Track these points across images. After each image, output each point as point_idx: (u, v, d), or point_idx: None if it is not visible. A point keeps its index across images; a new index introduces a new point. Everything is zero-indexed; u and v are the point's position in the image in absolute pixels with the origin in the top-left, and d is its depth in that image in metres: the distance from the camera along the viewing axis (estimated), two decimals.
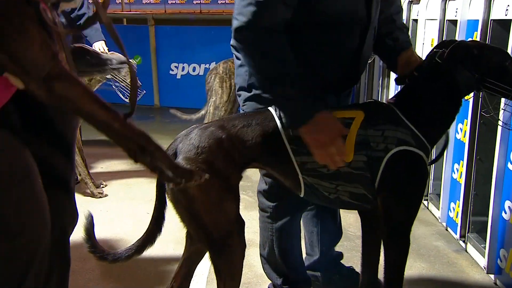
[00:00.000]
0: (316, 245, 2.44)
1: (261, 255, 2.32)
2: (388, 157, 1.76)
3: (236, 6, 1.85)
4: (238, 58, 2.15)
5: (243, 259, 1.89)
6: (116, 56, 4.67)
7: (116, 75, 4.71)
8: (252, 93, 2.09)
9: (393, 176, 1.80)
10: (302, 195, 1.91)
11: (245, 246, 1.88)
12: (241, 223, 1.89)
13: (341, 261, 2.56)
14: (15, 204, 1.48)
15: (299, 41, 1.90)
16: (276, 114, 1.86)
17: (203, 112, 4.86)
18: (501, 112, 2.21)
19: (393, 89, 4.37)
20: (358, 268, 2.53)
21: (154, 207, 1.84)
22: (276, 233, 2.22)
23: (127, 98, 4.94)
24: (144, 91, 4.98)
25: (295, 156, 1.81)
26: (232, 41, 1.94)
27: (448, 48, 1.82)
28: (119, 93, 4.56)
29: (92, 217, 1.80)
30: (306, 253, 2.42)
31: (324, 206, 2.34)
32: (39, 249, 1.54)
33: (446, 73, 1.84)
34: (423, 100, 1.88)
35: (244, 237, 1.87)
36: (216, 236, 1.82)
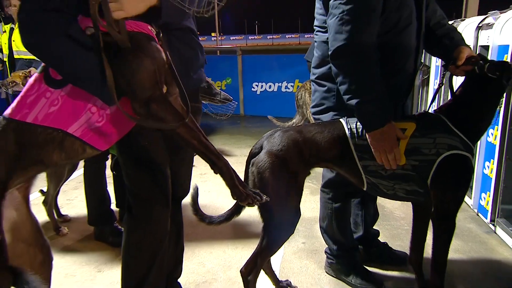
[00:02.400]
0: (360, 224, 2.54)
1: (320, 226, 2.42)
2: (440, 160, 1.80)
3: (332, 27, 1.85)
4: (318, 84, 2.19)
5: (285, 241, 1.98)
6: (223, 93, 5.28)
7: (214, 102, 5.25)
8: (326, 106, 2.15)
9: (446, 174, 1.82)
10: (364, 189, 1.98)
11: (292, 232, 1.95)
12: (298, 213, 1.96)
13: (379, 238, 2.66)
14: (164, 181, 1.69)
15: (382, 54, 1.90)
16: (347, 126, 1.91)
17: (294, 120, 5.10)
18: None
19: (430, 97, 4.07)
20: (397, 245, 2.69)
21: None
22: (334, 211, 2.30)
23: (216, 115, 5.59)
24: (236, 103, 5.42)
25: (360, 161, 1.88)
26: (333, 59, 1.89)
27: (495, 64, 1.84)
28: (211, 114, 5.57)
29: (197, 188, 1.92)
30: (352, 230, 2.47)
31: (367, 196, 2.43)
32: (169, 212, 1.75)
33: (498, 86, 1.88)
34: (469, 109, 1.88)
35: (296, 224, 1.95)
36: (276, 216, 1.90)
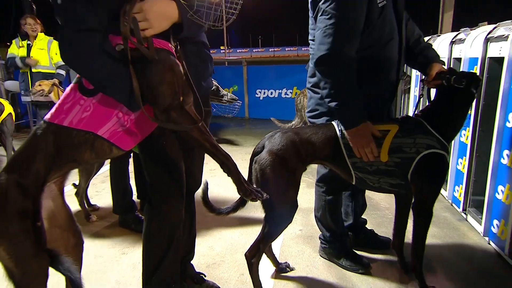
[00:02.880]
0: (350, 213, 2.54)
1: (315, 216, 2.42)
2: (419, 157, 1.82)
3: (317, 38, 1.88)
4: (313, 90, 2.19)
5: (284, 229, 1.98)
6: (229, 94, 5.28)
7: (222, 102, 5.24)
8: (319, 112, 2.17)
9: (424, 170, 1.83)
10: (353, 183, 1.99)
11: (290, 221, 1.96)
12: (295, 205, 1.95)
13: (366, 226, 2.67)
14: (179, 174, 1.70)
15: (366, 65, 1.93)
16: (338, 128, 1.92)
17: (293, 122, 5.10)
18: None
19: (412, 103, 4.15)
20: (382, 231, 2.69)
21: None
22: (327, 202, 2.31)
23: (223, 114, 5.69)
24: (241, 102, 5.51)
25: (349, 158, 1.90)
26: (317, 66, 1.91)
27: (462, 75, 1.88)
28: (218, 112, 5.74)
29: (207, 183, 1.95)
30: (343, 219, 2.48)
31: (357, 189, 2.44)
32: (183, 204, 1.76)
33: (467, 94, 1.90)
34: (444, 114, 1.91)
35: (293, 214, 1.95)
36: (276, 208, 1.91)
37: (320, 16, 1.89)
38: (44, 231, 1.43)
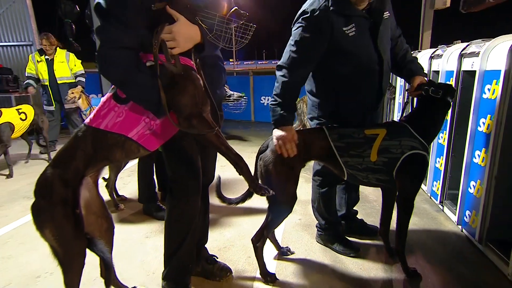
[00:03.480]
0: (344, 205, 2.53)
1: (312, 206, 2.43)
2: (403, 157, 1.82)
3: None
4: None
5: (285, 218, 1.98)
6: (236, 93, 5.17)
7: (229, 101, 5.18)
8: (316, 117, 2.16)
9: (408, 168, 1.84)
10: (345, 179, 1.97)
11: (290, 212, 1.94)
12: (295, 197, 1.94)
13: (357, 216, 2.65)
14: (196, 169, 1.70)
15: (347, 80, 1.95)
16: (328, 133, 1.91)
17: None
18: None
19: (397, 110, 4.22)
20: (370, 220, 2.68)
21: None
22: (322, 195, 2.32)
23: (232, 111, 5.63)
24: (247, 98, 5.73)
25: (341, 158, 1.89)
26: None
27: (439, 86, 1.91)
28: (228, 109, 5.48)
29: (220, 178, 1.98)
30: (337, 210, 2.47)
31: (350, 185, 2.42)
32: (199, 195, 1.76)
33: (443, 103, 1.92)
34: (425, 119, 1.92)
35: (293, 205, 1.94)
36: (278, 198, 1.89)
37: (291, 38, 1.93)
38: (82, 217, 1.45)
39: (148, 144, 1.51)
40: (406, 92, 2.18)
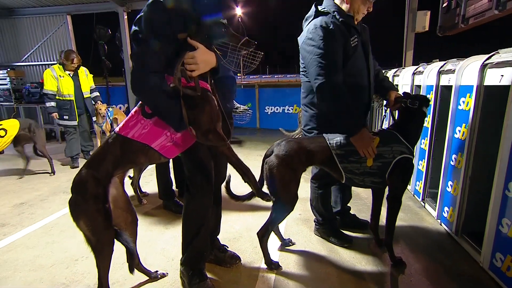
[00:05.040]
0: (338, 202, 2.51)
1: (311, 204, 2.40)
2: (394, 161, 1.82)
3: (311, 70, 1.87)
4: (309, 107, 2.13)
5: (288, 215, 1.95)
6: (242, 106, 5.15)
7: (236, 113, 5.15)
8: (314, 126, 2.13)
9: (397, 170, 1.83)
10: (343, 182, 1.93)
11: (292, 209, 1.91)
12: (296, 197, 1.90)
13: (350, 211, 2.62)
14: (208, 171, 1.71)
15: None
16: (328, 141, 1.89)
17: (296, 132, 4.98)
18: None
19: (385, 119, 4.24)
20: (362, 216, 2.65)
21: (259, 178, 1.88)
22: (319, 195, 2.29)
23: (237, 122, 5.43)
24: (251, 111, 5.69)
25: (340, 163, 1.87)
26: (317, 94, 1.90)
27: (416, 98, 1.92)
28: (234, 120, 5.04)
29: (230, 176, 1.90)
30: (332, 207, 2.44)
31: (344, 185, 2.31)
32: (212, 193, 1.76)
33: (420, 112, 1.92)
34: (409, 125, 1.91)
35: (295, 203, 1.91)
36: (281, 198, 1.88)
37: (312, 56, 1.88)
38: (111, 211, 1.47)
39: (168, 153, 1.54)
40: (385, 107, 2.16)
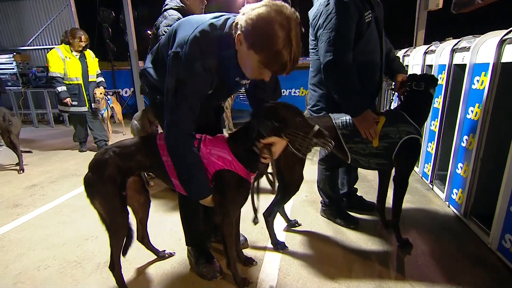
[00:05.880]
0: (345, 184, 2.51)
1: (318, 186, 2.40)
2: (401, 142, 1.79)
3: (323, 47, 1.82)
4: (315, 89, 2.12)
5: (293, 196, 1.97)
6: None
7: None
8: (320, 107, 2.10)
9: (404, 151, 1.81)
10: (349, 162, 1.94)
11: (297, 190, 1.92)
12: (302, 178, 1.92)
13: (357, 193, 2.62)
14: None
15: (357, 67, 1.85)
16: (334, 121, 1.88)
17: (305, 112, 4.96)
18: None
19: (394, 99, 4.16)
20: (369, 198, 2.65)
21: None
22: (326, 176, 2.29)
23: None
24: None
25: (345, 144, 1.87)
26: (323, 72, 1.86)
27: (421, 79, 1.87)
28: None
29: None
30: (339, 189, 2.43)
31: (351, 167, 2.32)
32: None
33: (427, 94, 1.88)
34: (416, 107, 1.87)
35: (300, 184, 1.92)
36: (286, 179, 1.90)
37: (323, 31, 1.83)
38: (127, 197, 1.50)
39: None
40: (392, 91, 2.12)
